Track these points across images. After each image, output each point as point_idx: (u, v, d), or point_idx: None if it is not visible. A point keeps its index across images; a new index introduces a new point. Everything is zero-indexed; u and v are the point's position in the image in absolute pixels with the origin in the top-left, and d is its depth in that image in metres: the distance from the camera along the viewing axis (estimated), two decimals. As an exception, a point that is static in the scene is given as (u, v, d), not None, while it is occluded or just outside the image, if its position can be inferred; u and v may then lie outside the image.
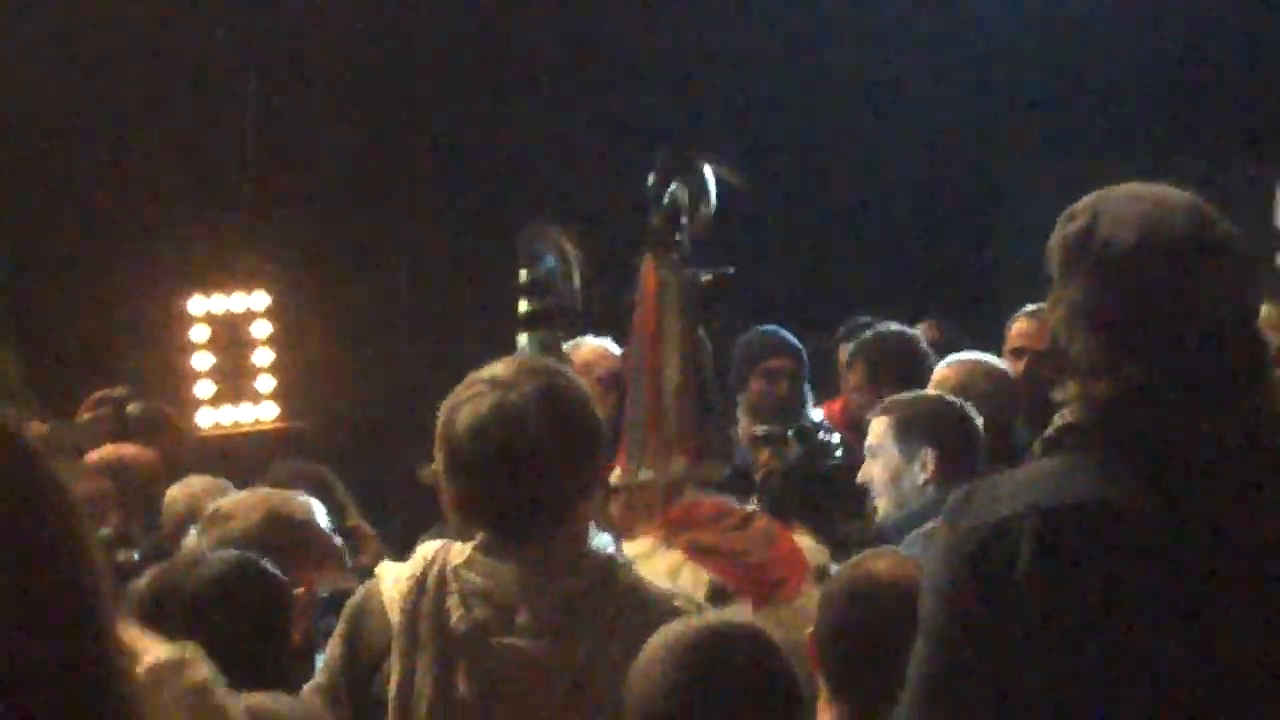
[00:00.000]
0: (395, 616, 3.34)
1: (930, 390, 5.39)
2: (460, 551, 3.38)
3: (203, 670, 2.10)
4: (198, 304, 8.72)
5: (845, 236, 10.43)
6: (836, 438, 5.74)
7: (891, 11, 10.34)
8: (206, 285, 8.74)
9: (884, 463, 4.93)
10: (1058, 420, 2.63)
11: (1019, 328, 6.57)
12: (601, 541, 3.47)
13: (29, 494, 1.44)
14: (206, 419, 8.72)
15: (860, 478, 5.03)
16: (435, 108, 9.71)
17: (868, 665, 3.11)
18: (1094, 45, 10.34)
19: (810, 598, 4.09)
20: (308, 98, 9.30)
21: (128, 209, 8.68)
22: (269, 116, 9.15)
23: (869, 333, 6.55)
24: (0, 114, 8.47)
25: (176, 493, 5.45)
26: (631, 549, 4.27)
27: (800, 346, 6.83)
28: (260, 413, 8.88)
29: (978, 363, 5.71)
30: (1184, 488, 2.51)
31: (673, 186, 4.79)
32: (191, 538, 4.16)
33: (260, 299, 8.87)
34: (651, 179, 4.83)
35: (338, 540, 4.18)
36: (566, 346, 5.28)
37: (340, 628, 3.47)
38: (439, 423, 3.40)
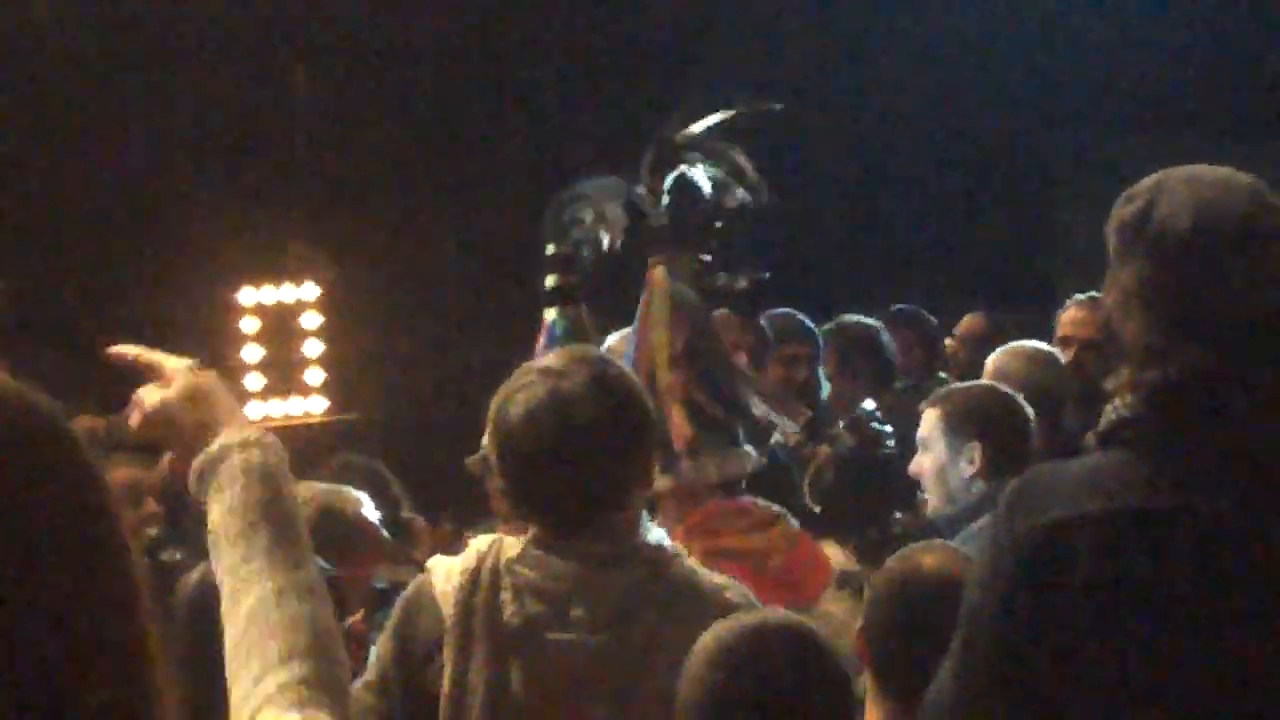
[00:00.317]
0: (448, 611, 3.32)
1: (984, 380, 5.37)
2: (513, 545, 3.36)
3: (280, 451, 2.12)
4: (248, 295, 8.70)
5: (896, 225, 10.38)
6: (889, 428, 5.70)
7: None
8: (256, 276, 8.74)
9: (933, 455, 4.90)
10: (1110, 412, 2.58)
11: (1069, 316, 6.54)
12: (656, 535, 3.43)
13: (71, 487, 1.44)
14: (255, 412, 8.65)
15: (911, 469, 5.00)
16: (487, 98, 9.69)
17: (916, 660, 3.06)
18: (1157, 27, 10.21)
19: (832, 603, 4.05)
20: (358, 89, 9.30)
21: (177, 201, 8.70)
22: (320, 108, 9.15)
23: (832, 323, 6.94)
24: (50, 107, 8.51)
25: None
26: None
27: (815, 330, 6.82)
28: (310, 406, 8.85)
29: (1031, 351, 5.70)
30: (1253, 488, 2.46)
31: (683, 172, 4.60)
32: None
33: (310, 290, 8.83)
34: (644, 174, 4.63)
35: (387, 535, 4.17)
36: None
37: (391, 622, 3.45)
38: (491, 413, 3.38)
